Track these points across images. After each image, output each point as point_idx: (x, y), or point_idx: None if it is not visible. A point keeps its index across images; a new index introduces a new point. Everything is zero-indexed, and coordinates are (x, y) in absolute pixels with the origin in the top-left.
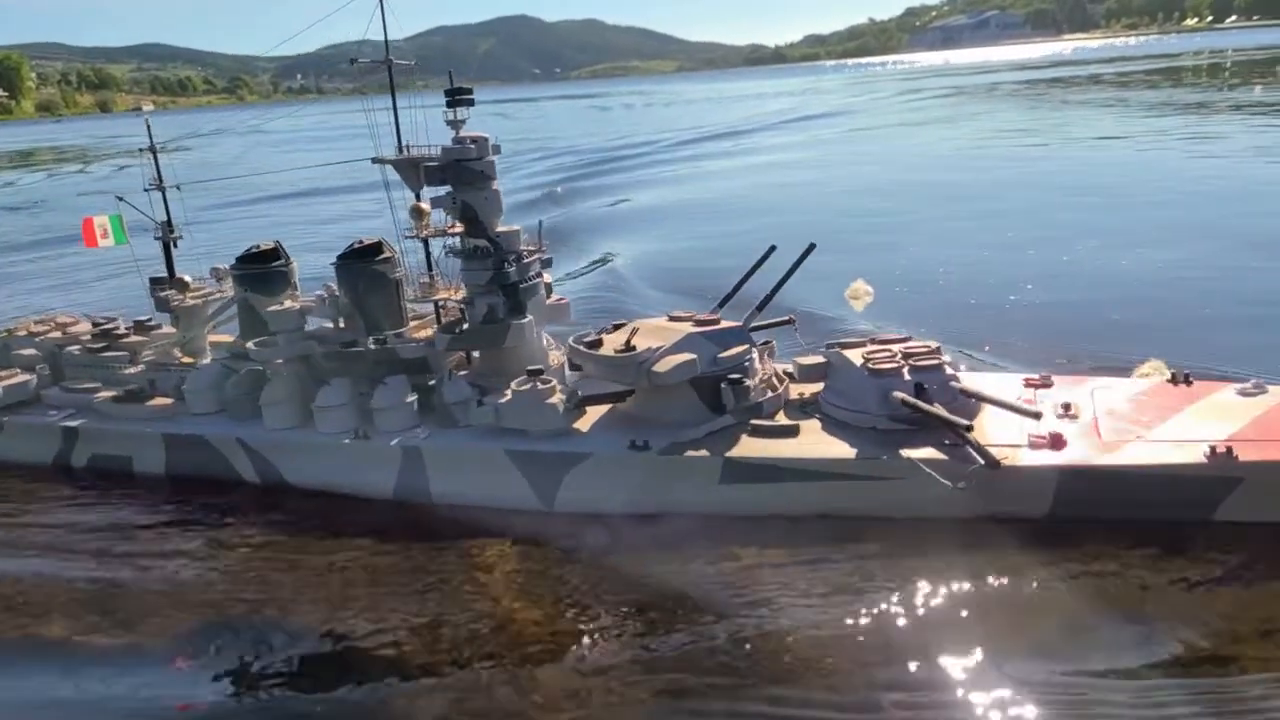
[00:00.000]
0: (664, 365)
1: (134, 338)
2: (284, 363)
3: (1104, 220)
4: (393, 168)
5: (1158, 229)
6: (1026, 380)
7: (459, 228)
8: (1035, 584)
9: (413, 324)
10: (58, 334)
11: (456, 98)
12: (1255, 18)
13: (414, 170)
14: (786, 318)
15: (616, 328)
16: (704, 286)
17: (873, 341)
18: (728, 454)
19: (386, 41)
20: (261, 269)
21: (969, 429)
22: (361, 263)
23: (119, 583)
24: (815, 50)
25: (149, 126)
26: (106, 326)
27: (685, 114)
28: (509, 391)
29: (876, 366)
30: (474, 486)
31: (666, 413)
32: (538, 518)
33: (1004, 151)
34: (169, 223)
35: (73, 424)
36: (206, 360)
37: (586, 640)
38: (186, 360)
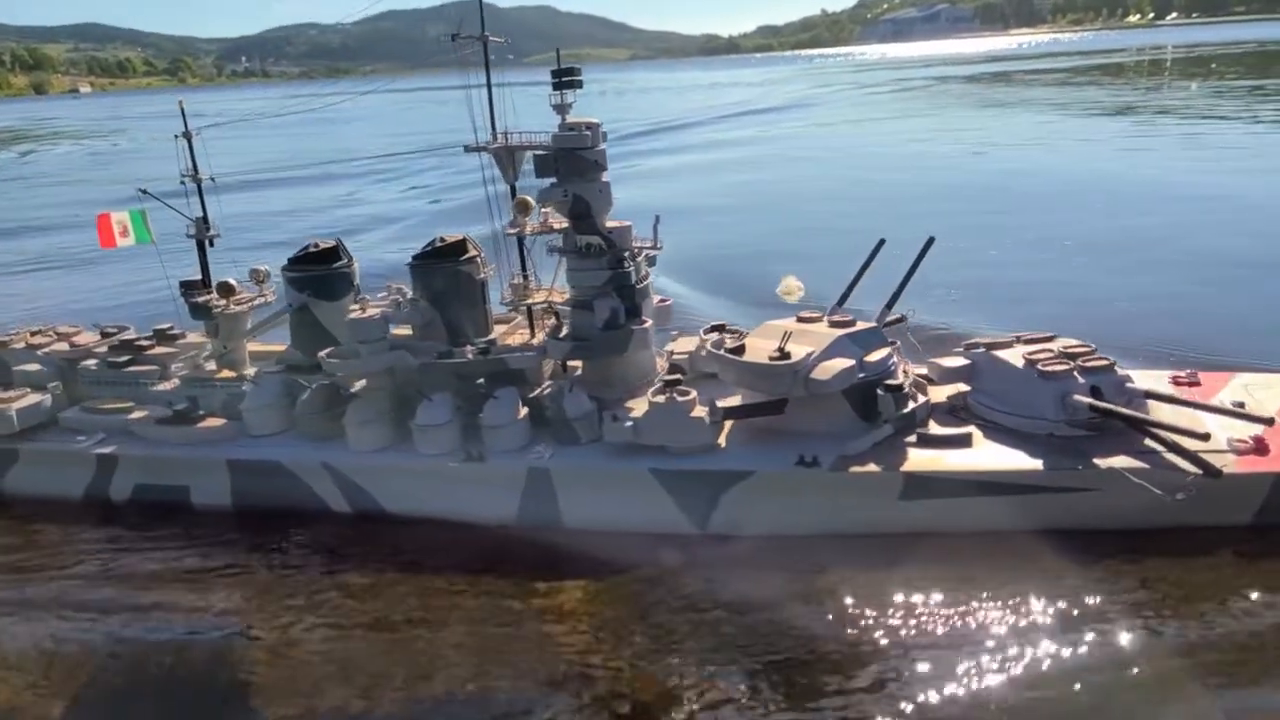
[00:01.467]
0: (824, 372)
1: (159, 349)
2: (369, 377)
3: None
4: (492, 157)
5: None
6: (1174, 378)
7: (560, 223)
8: None
9: (499, 331)
10: (63, 346)
11: (564, 79)
12: (1194, 15)
13: (511, 159)
14: (899, 315)
15: (716, 329)
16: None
17: (1019, 341)
18: (907, 468)
19: (482, 17)
20: (323, 270)
21: (1205, 437)
22: (445, 263)
23: (186, 652)
24: (769, 41)
25: (183, 110)
26: (125, 337)
27: (641, 104)
28: (642, 404)
29: (1048, 369)
30: (612, 510)
31: (817, 424)
32: (687, 542)
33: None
34: (205, 219)
35: (109, 450)
36: (248, 373)
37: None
38: (228, 374)
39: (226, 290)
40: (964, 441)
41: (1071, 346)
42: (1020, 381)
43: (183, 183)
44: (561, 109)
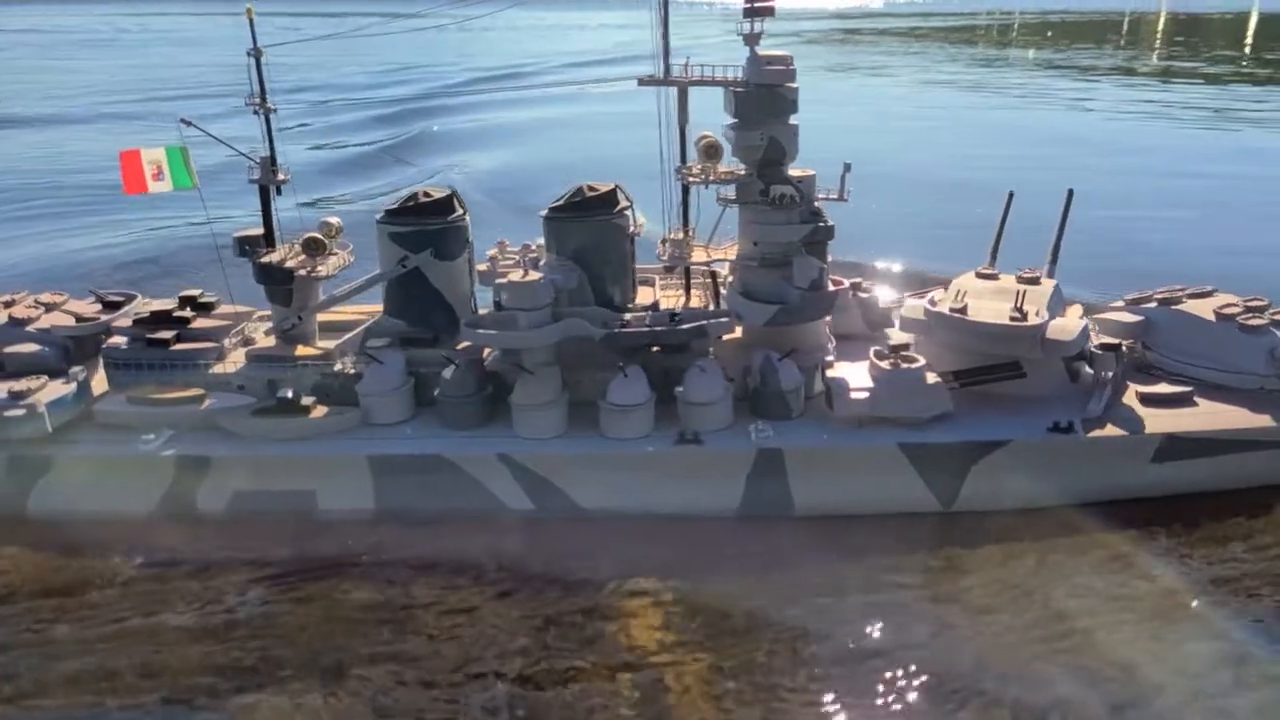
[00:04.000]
0: (1064, 332)
1: (204, 322)
2: (531, 351)
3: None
4: (671, 92)
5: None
6: None
7: (740, 170)
8: None
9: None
10: (64, 319)
11: (756, 5)
12: None
13: (684, 96)
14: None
15: (854, 285)
16: None
17: (1189, 296)
18: (1161, 430)
19: None
20: (440, 224)
21: None
22: (593, 216)
23: None
24: None
25: (252, 20)
26: (157, 308)
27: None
28: (857, 373)
29: (1249, 323)
30: (849, 490)
31: (1039, 387)
32: (929, 519)
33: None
34: (273, 159)
35: (195, 452)
36: (313, 346)
37: None
38: (307, 350)
39: (316, 247)
40: (1188, 400)
41: (1248, 300)
42: (1219, 336)
43: (256, 111)
44: (751, 39)
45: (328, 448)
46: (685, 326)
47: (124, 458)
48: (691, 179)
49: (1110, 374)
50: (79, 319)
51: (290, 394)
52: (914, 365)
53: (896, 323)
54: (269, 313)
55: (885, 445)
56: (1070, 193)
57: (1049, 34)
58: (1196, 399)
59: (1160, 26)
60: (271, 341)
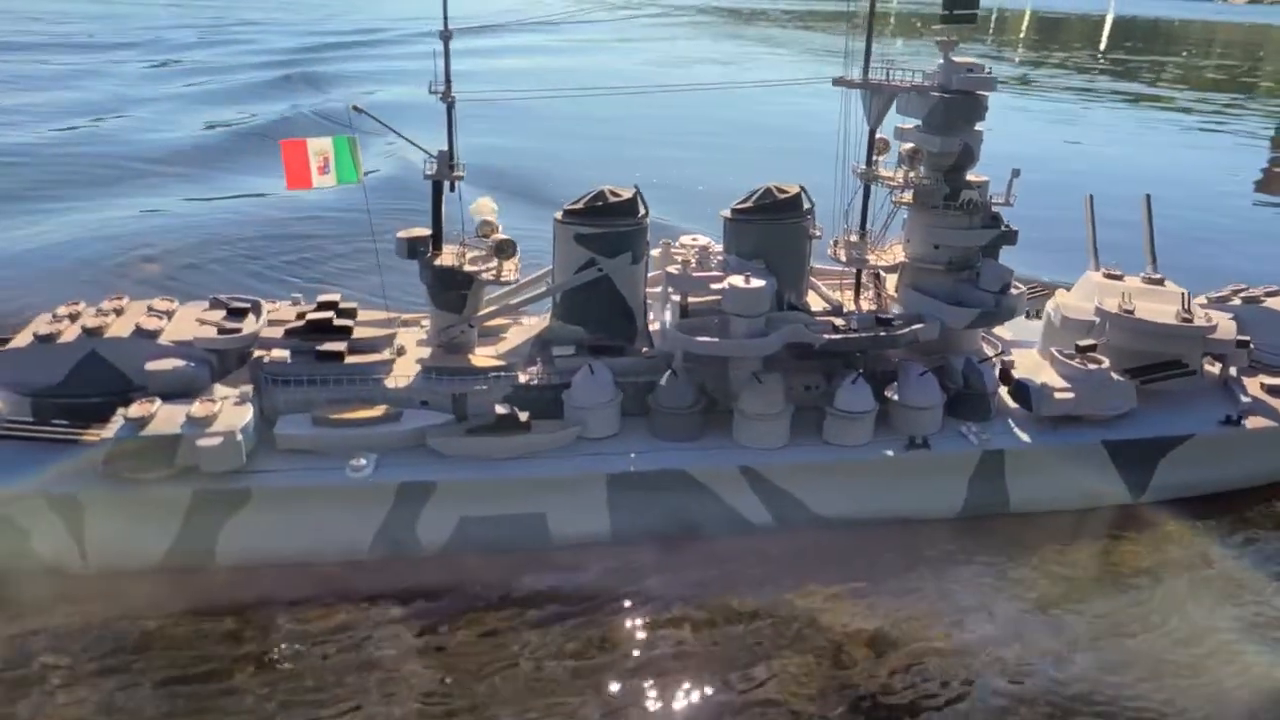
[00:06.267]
0: (1225, 332)
1: (367, 331)
2: (743, 361)
3: None
4: (861, 95)
5: None
6: None
7: (914, 174)
8: None
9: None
10: (203, 330)
11: (955, 11)
12: None
13: (883, 100)
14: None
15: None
16: None
17: (1266, 294)
18: None
19: None
20: (629, 226)
21: None
22: (781, 218)
23: None
24: None
25: (445, 2)
26: (312, 314)
27: None
28: (1044, 372)
29: None
30: (1057, 487)
31: (1194, 383)
32: (1120, 511)
33: None
34: (451, 154)
35: (409, 478)
36: (483, 355)
37: None
38: (488, 360)
39: (507, 250)
40: None
41: None
42: None
43: (433, 93)
44: (947, 45)
45: (560, 466)
46: (901, 331)
47: (333, 487)
48: (890, 183)
49: (1240, 369)
50: (221, 330)
51: (509, 410)
52: (1103, 365)
53: (1040, 321)
54: (406, 317)
55: (1090, 442)
56: (1148, 197)
57: (918, 24)
58: None
59: (1024, 24)
60: (426, 352)
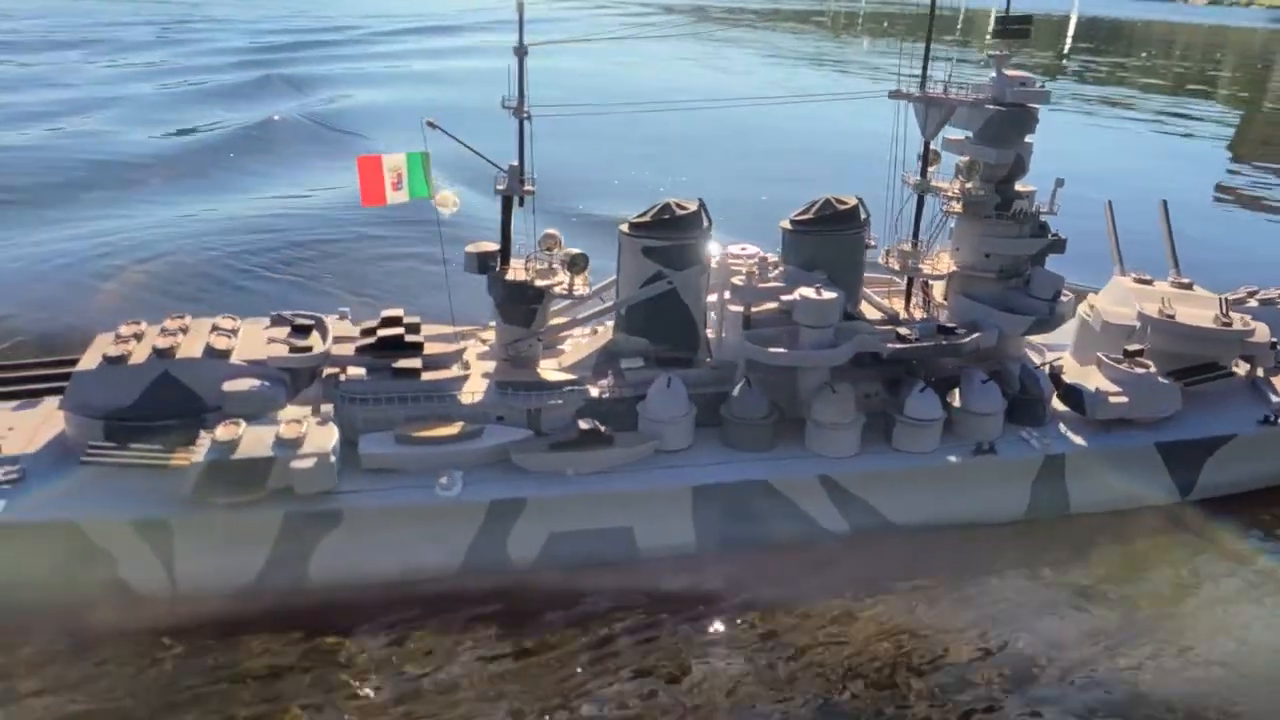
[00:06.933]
0: (1262, 335)
1: (439, 347)
2: (811, 371)
3: None
4: (914, 108)
5: None
6: None
7: (971, 185)
8: None
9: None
10: (273, 348)
11: (1009, 26)
12: None
13: (939, 113)
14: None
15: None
16: None
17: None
18: None
19: None
20: (694, 238)
21: None
22: (840, 230)
23: None
24: None
25: (521, 13)
26: (385, 330)
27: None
28: (1091, 377)
29: None
30: (1112, 488)
31: (1229, 385)
32: (1168, 511)
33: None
34: (521, 168)
35: (511, 495)
36: (550, 369)
37: None
38: (556, 375)
39: (580, 265)
40: None
41: None
42: None
43: (506, 107)
44: (1001, 59)
45: (645, 480)
46: (965, 340)
47: (424, 506)
48: (946, 194)
49: (1267, 369)
50: (293, 348)
51: (592, 425)
52: (1150, 369)
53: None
54: (464, 329)
55: (1143, 444)
56: (1165, 203)
57: (885, 24)
58: None
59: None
60: (489, 365)
